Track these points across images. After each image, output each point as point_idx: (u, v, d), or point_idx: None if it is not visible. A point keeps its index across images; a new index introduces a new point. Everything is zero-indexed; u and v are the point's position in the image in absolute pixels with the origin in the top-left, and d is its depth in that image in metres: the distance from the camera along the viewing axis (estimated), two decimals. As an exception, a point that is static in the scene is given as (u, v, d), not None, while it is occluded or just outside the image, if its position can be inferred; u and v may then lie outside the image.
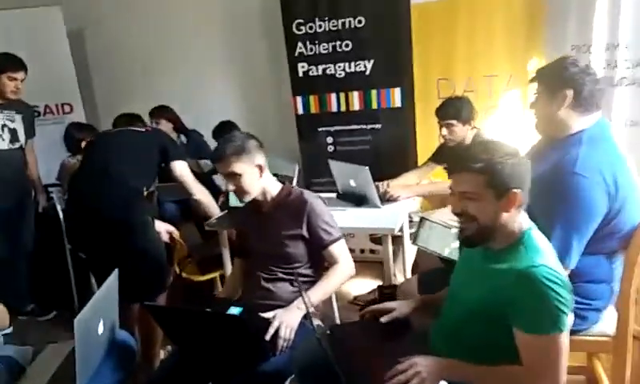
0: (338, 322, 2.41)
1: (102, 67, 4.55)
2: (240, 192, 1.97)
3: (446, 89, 3.44)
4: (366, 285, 3.35)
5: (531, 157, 1.78)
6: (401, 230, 2.65)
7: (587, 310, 1.79)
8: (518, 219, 1.41)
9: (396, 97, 3.58)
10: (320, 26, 3.64)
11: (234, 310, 1.90)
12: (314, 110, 3.81)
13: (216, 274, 3.00)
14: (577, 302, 1.61)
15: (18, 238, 3.30)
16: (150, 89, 4.25)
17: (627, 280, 1.74)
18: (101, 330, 1.64)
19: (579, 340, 1.77)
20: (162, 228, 2.59)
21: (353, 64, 3.63)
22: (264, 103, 4.21)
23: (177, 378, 1.77)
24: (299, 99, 3.81)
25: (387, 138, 3.66)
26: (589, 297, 1.77)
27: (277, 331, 1.75)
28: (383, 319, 1.63)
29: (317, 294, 1.92)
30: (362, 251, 3.73)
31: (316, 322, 1.90)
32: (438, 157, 3.08)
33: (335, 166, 2.98)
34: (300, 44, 3.70)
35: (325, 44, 3.66)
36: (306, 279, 2.00)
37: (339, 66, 3.67)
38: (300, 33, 3.68)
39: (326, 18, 3.61)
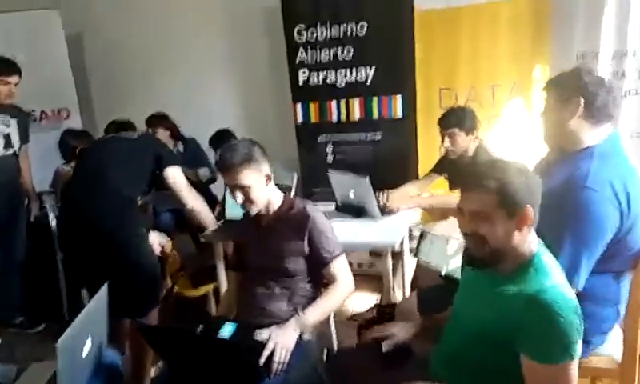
0: (335, 339, 2.33)
1: (100, 72, 4.50)
2: (248, 203, 1.88)
3: (448, 98, 3.38)
4: (364, 299, 3.27)
5: (539, 171, 1.73)
6: (401, 244, 2.57)
7: (592, 332, 1.71)
8: (529, 240, 1.34)
9: (397, 106, 3.52)
10: (322, 32, 3.59)
11: (228, 328, 1.84)
12: (314, 118, 3.75)
13: (209, 288, 2.92)
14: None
15: (10, 248, 3.23)
16: (148, 95, 4.20)
17: (635, 301, 1.68)
18: (87, 350, 1.56)
19: (583, 364, 1.69)
20: (155, 240, 2.51)
21: (354, 71, 3.57)
22: (263, 110, 4.15)
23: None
24: (299, 107, 3.75)
25: (388, 148, 3.60)
26: (594, 318, 1.69)
27: (271, 352, 1.68)
28: (384, 348, 1.54)
29: (314, 314, 1.84)
30: (360, 265, 3.63)
31: (311, 343, 1.82)
32: (439, 168, 3.02)
33: (334, 178, 2.91)
34: (301, 50, 3.64)
35: (326, 50, 3.60)
36: (303, 296, 1.93)
37: (340, 73, 3.61)
38: (301, 39, 3.63)
39: (328, 23, 3.55)
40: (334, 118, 3.70)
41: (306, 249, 1.90)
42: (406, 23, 3.39)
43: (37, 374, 1.70)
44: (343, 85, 3.62)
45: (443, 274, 2.04)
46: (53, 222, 3.08)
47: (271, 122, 4.10)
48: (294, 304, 1.85)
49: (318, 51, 3.62)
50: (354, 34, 3.52)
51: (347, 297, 1.94)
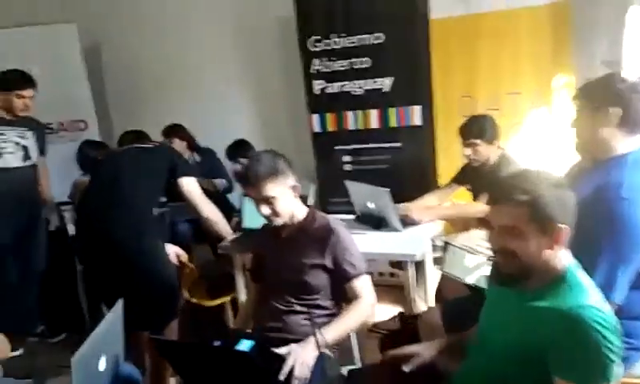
0: (356, 352, 2.27)
1: (117, 84, 4.53)
2: (273, 216, 1.85)
3: (468, 107, 3.31)
4: (385, 310, 3.20)
5: (570, 180, 1.68)
6: (423, 255, 2.51)
7: (627, 349, 1.63)
8: (560, 255, 1.28)
9: (416, 115, 3.47)
10: (336, 43, 3.56)
11: (245, 345, 1.79)
12: (330, 128, 3.71)
13: (226, 299, 2.89)
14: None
15: (29, 258, 3.23)
16: (164, 106, 4.21)
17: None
18: (102, 366, 1.53)
19: (617, 384, 1.63)
20: (171, 251, 2.49)
21: (371, 81, 3.53)
22: (279, 120, 4.14)
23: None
24: (315, 117, 3.72)
25: (407, 157, 3.54)
26: (630, 335, 1.61)
27: (291, 369, 1.63)
28: (406, 368, 1.48)
29: (334, 333, 1.78)
30: (381, 274, 3.58)
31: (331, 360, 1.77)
32: (460, 178, 2.96)
33: (352, 187, 2.86)
34: (316, 61, 3.62)
35: (342, 61, 3.57)
36: (323, 311, 1.88)
37: (356, 84, 3.57)
38: (316, 49, 3.60)
39: (343, 35, 3.53)
40: (351, 126, 3.66)
41: (330, 264, 1.86)
42: (422, 32, 3.34)
43: (54, 388, 1.67)
44: (360, 95, 3.57)
45: (468, 282, 1.99)
46: (72, 233, 3.07)
47: (287, 132, 4.08)
48: (314, 321, 1.80)
49: (334, 61, 3.59)
50: (369, 44, 3.48)
51: (368, 317, 1.89)
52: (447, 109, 3.40)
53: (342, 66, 3.58)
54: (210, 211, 2.53)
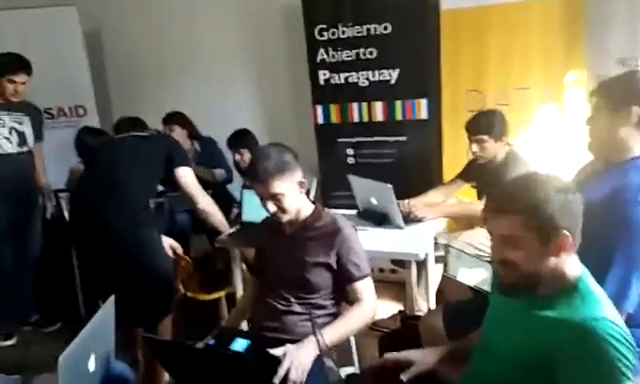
0: (355, 353, 2.21)
1: (118, 69, 4.45)
2: (280, 213, 1.78)
3: (475, 101, 3.23)
4: (386, 307, 3.15)
5: (582, 181, 1.64)
6: (425, 254, 2.45)
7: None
8: (568, 262, 1.21)
9: (422, 108, 3.38)
10: (343, 32, 3.47)
11: (240, 344, 1.73)
12: (334, 119, 3.62)
13: (221, 294, 2.83)
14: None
15: (25, 246, 3.19)
16: (166, 92, 4.14)
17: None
18: (92, 365, 1.48)
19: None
20: (166, 243, 2.42)
21: (377, 73, 3.43)
22: (282, 110, 4.06)
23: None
24: (319, 108, 3.63)
25: (412, 151, 3.45)
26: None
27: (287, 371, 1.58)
28: (404, 377, 1.42)
29: (333, 335, 1.73)
30: (382, 271, 3.53)
31: (329, 363, 1.72)
32: (466, 174, 2.89)
33: (355, 182, 2.80)
34: (322, 50, 3.53)
35: (348, 51, 3.47)
36: (322, 311, 1.82)
37: (362, 75, 3.47)
38: (322, 39, 3.51)
39: (350, 24, 3.43)
40: (356, 118, 3.58)
41: (334, 264, 1.80)
42: (432, 23, 3.26)
43: (42, 385, 1.62)
44: (365, 86, 3.49)
45: (471, 286, 1.93)
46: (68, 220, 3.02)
47: (290, 123, 4.00)
48: (314, 321, 1.74)
49: (340, 51, 3.50)
50: (377, 34, 3.39)
51: (369, 321, 1.83)
52: (454, 103, 3.32)
53: (348, 56, 3.49)
54: (206, 203, 2.47)
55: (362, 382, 1.60)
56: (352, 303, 1.83)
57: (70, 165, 3.46)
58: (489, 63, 3.22)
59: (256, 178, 1.74)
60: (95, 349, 1.51)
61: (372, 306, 1.82)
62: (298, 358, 1.60)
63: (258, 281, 2.03)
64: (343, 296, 1.88)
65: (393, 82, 3.41)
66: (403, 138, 3.47)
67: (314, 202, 1.93)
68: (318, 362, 1.67)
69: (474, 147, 2.63)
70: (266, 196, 1.75)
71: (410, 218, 2.60)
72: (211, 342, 1.78)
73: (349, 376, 1.67)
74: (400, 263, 3.03)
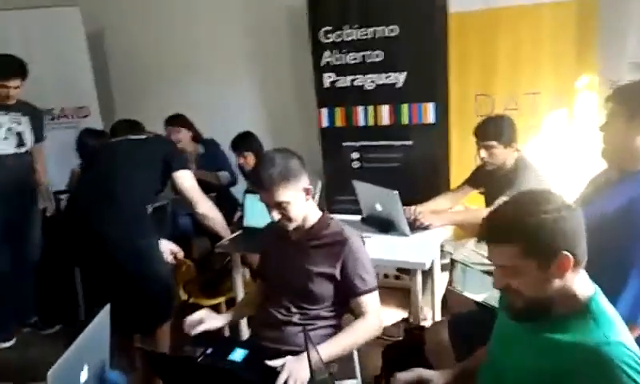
0: (357, 364, 2.15)
1: (121, 70, 4.42)
2: (286, 221, 1.73)
3: (484, 106, 3.17)
4: (390, 314, 3.08)
5: (595, 191, 1.60)
6: (431, 263, 2.39)
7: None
8: (577, 281, 1.15)
9: (429, 112, 3.32)
10: (349, 34, 3.41)
11: (239, 354, 1.70)
12: (339, 123, 3.57)
13: (222, 299, 2.78)
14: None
15: (24, 247, 3.15)
16: (169, 94, 4.11)
17: None
18: (84, 377, 1.42)
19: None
20: (166, 248, 2.37)
21: (383, 76, 3.37)
22: (286, 113, 4.01)
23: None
24: (324, 111, 3.58)
25: (418, 156, 3.39)
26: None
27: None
28: None
29: (333, 348, 1.67)
30: (386, 276, 3.46)
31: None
32: (474, 180, 2.83)
33: (360, 187, 2.74)
34: (327, 53, 3.48)
35: (354, 53, 3.42)
36: (324, 322, 1.77)
37: (368, 78, 3.41)
38: (328, 41, 3.46)
39: (356, 26, 3.38)
40: (361, 122, 3.52)
41: (338, 276, 1.74)
42: (440, 26, 3.20)
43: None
44: (371, 90, 3.43)
45: (477, 300, 1.87)
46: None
47: (294, 126, 3.96)
48: (306, 335, 1.69)
49: (346, 54, 3.45)
50: (384, 37, 3.33)
51: (373, 336, 1.77)
52: (462, 107, 3.25)
53: (354, 59, 3.43)
54: (205, 207, 2.42)
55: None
56: (356, 317, 1.77)
57: (72, 166, 3.43)
58: (498, 67, 3.15)
59: (261, 186, 1.69)
60: (89, 359, 1.45)
61: (377, 320, 1.76)
62: (296, 370, 1.55)
63: (263, 285, 1.98)
64: (346, 308, 1.82)
65: (399, 85, 3.36)
66: (409, 143, 3.42)
67: (322, 210, 1.88)
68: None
69: (483, 153, 2.57)
70: (271, 204, 1.70)
71: (415, 225, 2.53)
72: (209, 351, 1.74)
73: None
74: (405, 270, 2.97)
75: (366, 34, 3.37)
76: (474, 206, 2.91)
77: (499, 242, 1.15)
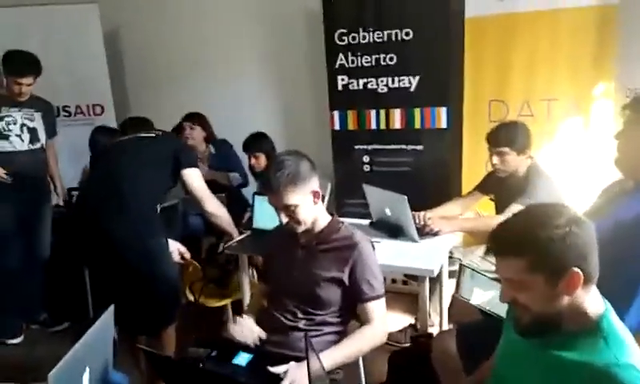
0: (362, 370, 2.13)
1: (136, 69, 4.45)
2: (294, 223, 1.73)
3: (498, 111, 3.13)
4: (397, 320, 3.07)
5: (607, 202, 1.58)
6: (440, 270, 2.36)
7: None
8: (588, 298, 1.12)
9: (442, 117, 3.29)
10: (364, 37, 3.40)
11: (243, 358, 1.70)
12: (351, 126, 3.56)
13: (228, 301, 2.77)
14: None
15: (34, 244, 3.17)
16: (183, 93, 4.12)
17: None
18: (86, 379, 1.42)
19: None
20: (174, 248, 2.36)
21: (397, 79, 3.35)
22: (299, 115, 4.01)
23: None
24: (336, 114, 3.57)
25: (430, 161, 3.36)
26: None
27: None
28: None
29: (337, 355, 1.66)
30: (394, 281, 3.45)
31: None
32: (484, 186, 2.79)
33: (370, 191, 2.72)
34: (341, 55, 3.46)
35: (367, 56, 3.40)
36: (329, 328, 1.76)
37: (382, 81, 3.39)
38: (342, 43, 3.45)
39: (371, 29, 3.36)
40: (373, 125, 3.50)
41: (346, 280, 1.73)
42: (455, 30, 3.17)
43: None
44: (384, 93, 3.41)
45: (485, 310, 1.83)
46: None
47: (306, 127, 3.95)
48: (308, 342, 1.68)
49: (359, 57, 3.43)
50: (398, 40, 3.31)
51: (378, 344, 1.76)
52: (475, 112, 3.21)
53: (368, 62, 3.41)
54: (213, 205, 2.41)
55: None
56: (362, 323, 1.76)
57: (86, 163, 3.45)
58: (513, 72, 3.11)
59: (269, 188, 1.69)
60: (91, 362, 1.45)
61: (382, 328, 1.75)
62: (299, 377, 1.54)
63: (267, 288, 1.97)
64: (352, 314, 1.81)
65: (412, 89, 3.33)
66: (421, 147, 3.40)
67: (332, 214, 1.86)
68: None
69: (495, 159, 2.53)
70: (279, 206, 1.70)
71: (425, 231, 2.50)
72: (214, 354, 1.73)
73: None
74: (413, 276, 2.95)
75: (381, 37, 3.35)
76: (485, 213, 2.87)
77: (506, 254, 1.13)
